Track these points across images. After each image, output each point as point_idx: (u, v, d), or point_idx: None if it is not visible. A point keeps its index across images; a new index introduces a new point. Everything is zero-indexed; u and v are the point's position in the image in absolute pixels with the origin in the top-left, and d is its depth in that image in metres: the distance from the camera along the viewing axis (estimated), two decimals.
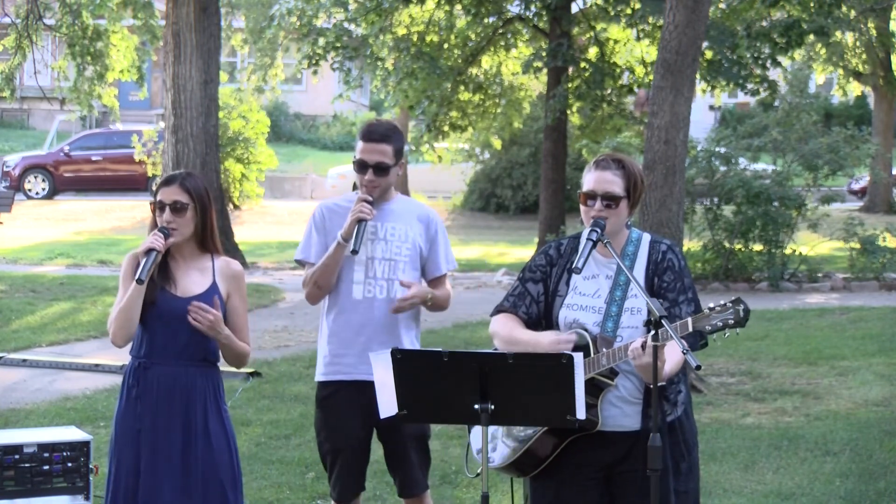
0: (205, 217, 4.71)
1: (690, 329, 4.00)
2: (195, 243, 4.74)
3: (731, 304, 4.02)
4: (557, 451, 4.22)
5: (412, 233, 5.18)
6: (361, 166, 5.07)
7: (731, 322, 4.01)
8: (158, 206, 4.68)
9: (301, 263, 5.25)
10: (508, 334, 4.34)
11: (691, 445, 4.34)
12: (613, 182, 4.27)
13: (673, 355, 4.08)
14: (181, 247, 4.72)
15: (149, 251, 4.59)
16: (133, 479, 4.65)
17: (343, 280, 5.11)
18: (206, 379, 4.72)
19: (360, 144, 5.10)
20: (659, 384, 4.02)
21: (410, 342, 5.20)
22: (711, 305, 4.06)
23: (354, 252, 4.98)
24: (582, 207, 4.31)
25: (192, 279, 4.71)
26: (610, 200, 4.26)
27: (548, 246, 4.46)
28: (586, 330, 4.21)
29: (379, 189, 5.09)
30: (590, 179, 4.30)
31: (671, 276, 4.28)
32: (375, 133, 5.08)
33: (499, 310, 4.45)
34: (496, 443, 4.36)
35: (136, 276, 4.55)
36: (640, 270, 4.30)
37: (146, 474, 4.63)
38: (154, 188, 4.84)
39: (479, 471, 4.40)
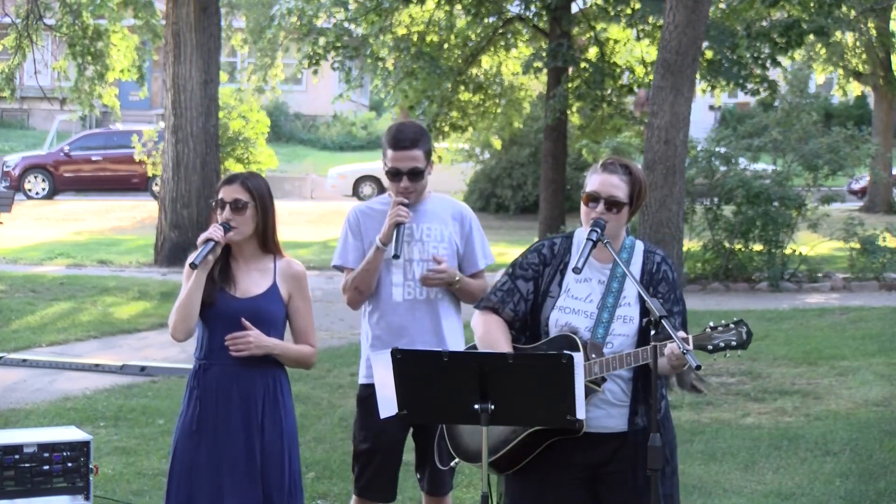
0: (266, 217, 4.70)
1: (691, 347, 4.00)
2: (256, 244, 4.73)
3: (733, 325, 4.03)
4: (536, 451, 4.20)
5: (447, 232, 5.18)
6: (395, 174, 5.06)
7: (734, 343, 4.02)
8: (219, 205, 4.68)
9: (340, 269, 5.26)
10: (490, 342, 4.29)
11: (673, 447, 4.35)
12: (618, 187, 4.24)
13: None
14: (242, 247, 4.71)
15: (208, 241, 4.59)
16: (187, 480, 4.65)
17: (383, 283, 5.13)
18: (266, 379, 4.69)
19: (389, 152, 5.07)
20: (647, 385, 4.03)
21: (456, 342, 5.19)
22: (713, 325, 4.06)
23: (396, 257, 4.99)
24: (583, 208, 4.28)
25: (253, 280, 4.70)
26: (613, 205, 4.23)
27: (540, 244, 4.40)
28: (576, 334, 4.19)
29: (415, 194, 5.10)
30: (595, 181, 4.26)
31: (666, 288, 4.28)
32: (405, 140, 5.06)
33: (485, 305, 4.39)
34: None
35: (190, 261, 4.55)
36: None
37: (207, 476, 4.62)
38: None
39: (452, 464, 4.41)
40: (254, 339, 4.59)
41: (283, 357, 4.73)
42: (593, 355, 4.14)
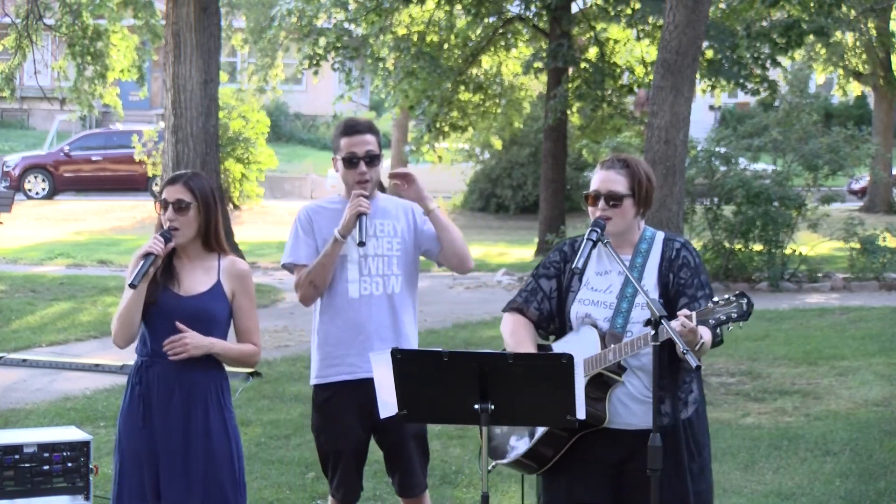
0: (208, 217, 4.69)
1: (695, 323, 4.01)
2: (200, 243, 4.72)
3: (734, 298, 4.05)
4: (565, 447, 4.23)
5: (400, 227, 5.16)
6: (351, 161, 5.03)
7: (735, 316, 4.04)
8: (163, 205, 4.69)
9: (289, 268, 5.16)
10: (516, 342, 4.36)
11: (702, 446, 4.33)
12: (616, 181, 4.30)
13: (704, 330, 4.08)
14: (186, 246, 4.71)
15: (147, 255, 4.58)
16: (136, 476, 4.66)
17: (337, 280, 5.06)
18: (208, 378, 4.69)
19: (343, 140, 5.04)
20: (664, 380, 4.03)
21: (413, 337, 5.16)
22: (716, 299, 4.08)
23: (362, 244, 4.92)
24: (590, 209, 4.35)
25: (197, 278, 4.70)
26: (613, 199, 4.29)
27: (563, 242, 4.50)
28: (596, 326, 4.23)
29: (371, 183, 5.06)
30: (595, 180, 4.35)
31: (687, 273, 4.30)
32: (360, 125, 5.08)
33: (510, 306, 4.48)
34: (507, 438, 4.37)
35: (129, 281, 4.55)
36: (653, 267, 4.32)
37: (150, 472, 4.64)
38: (155, 188, 4.86)
39: (491, 466, 4.41)
40: (190, 340, 4.58)
41: (224, 356, 4.71)
42: (612, 344, 4.17)
